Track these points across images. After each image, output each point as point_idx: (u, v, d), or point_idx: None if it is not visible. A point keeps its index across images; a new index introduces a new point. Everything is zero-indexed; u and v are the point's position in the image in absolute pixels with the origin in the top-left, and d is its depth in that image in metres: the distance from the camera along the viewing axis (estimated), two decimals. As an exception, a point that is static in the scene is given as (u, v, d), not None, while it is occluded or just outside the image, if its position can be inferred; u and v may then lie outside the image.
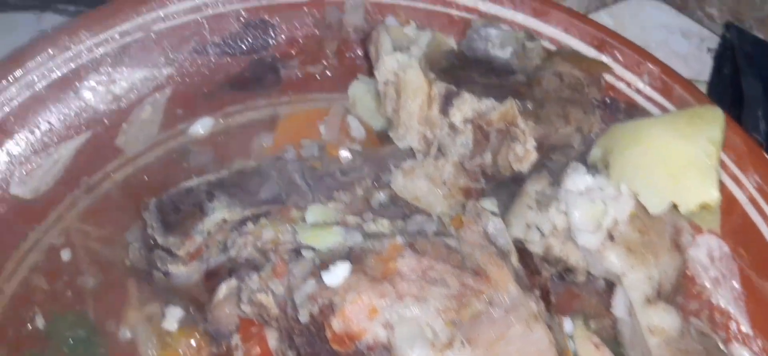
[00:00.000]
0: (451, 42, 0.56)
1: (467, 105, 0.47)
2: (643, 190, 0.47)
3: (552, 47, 0.60)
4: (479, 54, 0.58)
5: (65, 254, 0.56)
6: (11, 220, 0.57)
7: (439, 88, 0.48)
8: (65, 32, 0.60)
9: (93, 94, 0.61)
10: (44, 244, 0.57)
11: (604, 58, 0.59)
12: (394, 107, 0.51)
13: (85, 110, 0.61)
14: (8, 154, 0.58)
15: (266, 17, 0.64)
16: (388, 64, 0.50)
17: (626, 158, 0.49)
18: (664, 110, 0.58)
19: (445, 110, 0.48)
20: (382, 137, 0.60)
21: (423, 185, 0.47)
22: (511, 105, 0.48)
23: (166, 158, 0.61)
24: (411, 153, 0.51)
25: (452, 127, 0.48)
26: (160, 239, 0.51)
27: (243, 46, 0.64)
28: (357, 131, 0.60)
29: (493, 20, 0.59)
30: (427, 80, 0.49)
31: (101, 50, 0.61)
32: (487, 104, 0.48)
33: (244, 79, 0.64)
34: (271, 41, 0.65)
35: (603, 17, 0.75)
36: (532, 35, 0.57)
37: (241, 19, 0.64)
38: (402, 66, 0.49)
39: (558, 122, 0.50)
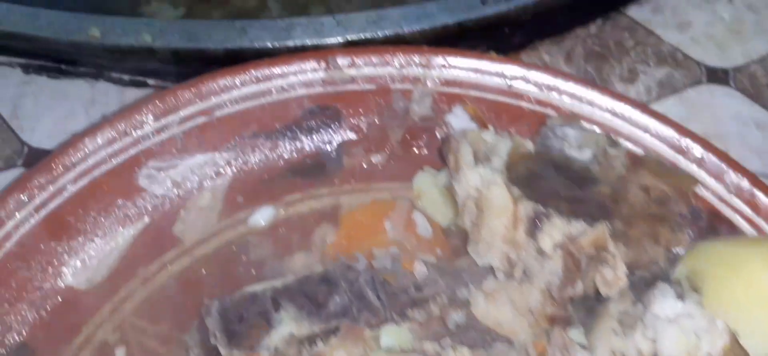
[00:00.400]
0: (529, 145, 0.54)
1: (557, 230, 0.45)
2: (743, 330, 0.44)
3: (629, 145, 0.58)
4: (554, 153, 0.55)
5: (120, 353, 0.54)
6: (65, 313, 0.55)
7: (526, 208, 0.46)
8: (125, 117, 0.58)
9: (151, 180, 0.59)
10: (98, 340, 0.54)
11: (686, 164, 0.56)
12: (474, 221, 0.48)
13: (143, 196, 0.59)
14: (63, 242, 0.56)
15: (331, 104, 0.62)
16: (471, 179, 0.48)
17: (722, 290, 0.46)
18: (750, 222, 0.56)
19: (531, 232, 0.45)
20: (450, 235, 0.57)
21: (507, 312, 0.45)
22: (602, 230, 0.45)
23: (224, 249, 0.59)
24: (489, 269, 0.48)
25: (540, 251, 0.45)
26: (223, 351, 0.48)
27: (306, 132, 0.62)
28: (424, 229, 0.58)
29: (570, 119, 0.57)
30: (512, 198, 0.46)
31: (162, 136, 0.59)
32: (578, 227, 0.45)
33: (305, 166, 0.62)
34: (334, 128, 0.62)
35: (674, 104, 0.73)
36: (613, 140, 0.54)
37: (305, 105, 0.62)
38: (485, 183, 0.47)
39: (647, 243, 0.48)
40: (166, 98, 0.59)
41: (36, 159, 0.68)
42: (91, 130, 0.57)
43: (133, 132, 0.58)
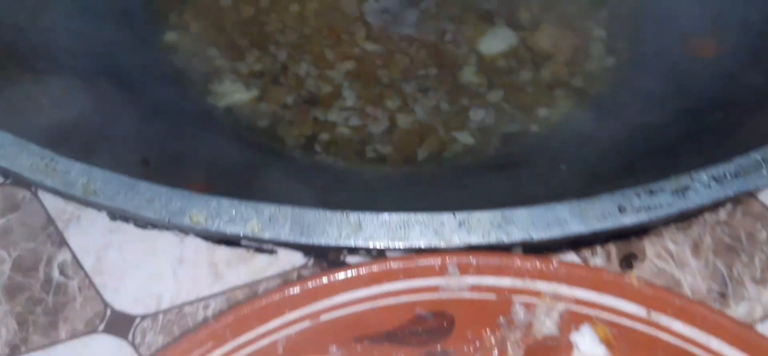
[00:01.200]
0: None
1: None
2: None
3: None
4: (700, 407, 0.49)
5: None
6: None
7: None
8: (227, 322, 0.53)
9: (248, 388, 0.54)
10: None
11: None
12: None
13: (238, 406, 0.54)
14: None
15: (445, 311, 0.57)
16: None
17: None
18: None
19: None
20: None
21: None
22: None
23: None
24: None
25: None
26: None
27: (415, 340, 0.57)
28: None
29: (721, 372, 0.51)
30: None
31: (263, 342, 0.54)
32: None
33: (412, 378, 0.57)
34: (447, 337, 0.57)
35: (813, 316, 0.66)
36: (777, 414, 0.48)
37: (417, 310, 0.56)
38: None
39: None
40: (272, 300, 0.54)
41: (119, 326, 0.64)
42: (189, 339, 0.52)
43: (234, 338, 0.53)
